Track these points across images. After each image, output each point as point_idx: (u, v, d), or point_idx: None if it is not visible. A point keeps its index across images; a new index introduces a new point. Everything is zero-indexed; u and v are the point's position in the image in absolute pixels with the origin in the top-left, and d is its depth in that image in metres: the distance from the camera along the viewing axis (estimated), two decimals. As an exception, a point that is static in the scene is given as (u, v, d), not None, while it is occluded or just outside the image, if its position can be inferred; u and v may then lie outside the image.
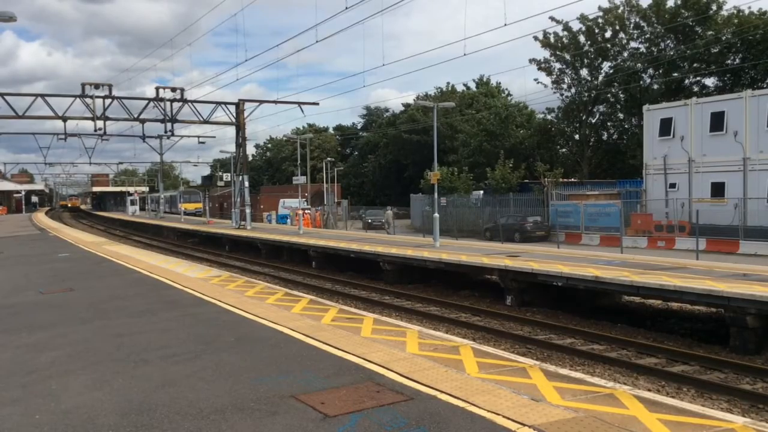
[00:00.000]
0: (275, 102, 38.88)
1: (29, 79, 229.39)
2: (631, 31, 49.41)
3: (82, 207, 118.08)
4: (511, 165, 46.39)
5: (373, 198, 74.87)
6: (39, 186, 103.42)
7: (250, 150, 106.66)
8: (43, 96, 31.75)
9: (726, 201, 30.31)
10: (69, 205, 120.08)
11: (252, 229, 35.56)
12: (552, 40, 51.88)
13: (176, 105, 34.57)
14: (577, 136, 55.11)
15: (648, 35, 48.68)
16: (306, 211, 43.52)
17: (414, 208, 49.42)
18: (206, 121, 35.70)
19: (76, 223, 72.96)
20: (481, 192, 47.05)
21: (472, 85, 72.61)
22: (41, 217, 66.42)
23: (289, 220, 48.88)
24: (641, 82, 48.64)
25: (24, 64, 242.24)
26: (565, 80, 53.74)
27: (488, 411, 5.32)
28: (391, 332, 8.66)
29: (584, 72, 53.04)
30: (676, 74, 47.09)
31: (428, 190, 40.76)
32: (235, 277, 15.87)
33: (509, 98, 68.42)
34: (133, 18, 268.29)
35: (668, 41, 47.92)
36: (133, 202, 77.51)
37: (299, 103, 37.10)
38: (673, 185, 33.70)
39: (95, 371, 6.95)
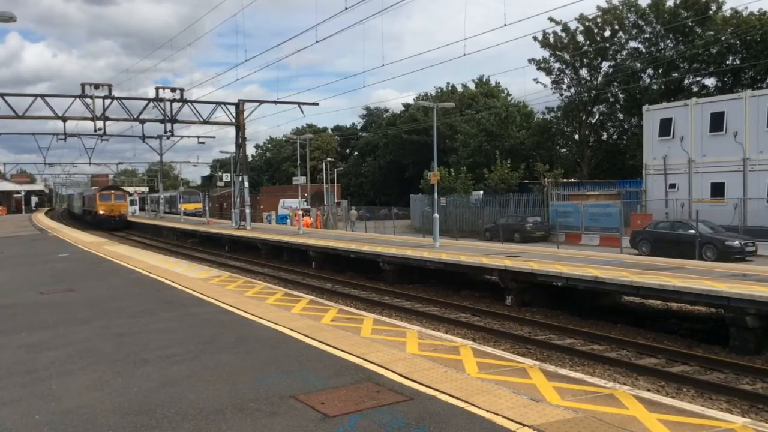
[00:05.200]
0: (275, 102, 38.86)
1: (33, 80, 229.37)
2: (630, 30, 49.45)
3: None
4: (509, 165, 46.40)
5: (373, 198, 74.92)
6: (39, 186, 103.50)
7: (250, 150, 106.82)
8: (42, 96, 31.70)
9: (726, 201, 30.33)
10: (101, 212, 54.19)
11: (252, 229, 35.54)
12: (551, 40, 51.93)
13: (176, 105, 34.51)
14: (576, 136, 55.15)
15: (647, 35, 48.72)
16: (307, 213, 43.48)
17: (414, 209, 49.43)
18: (206, 122, 35.65)
19: (76, 223, 72.89)
20: (481, 192, 47.04)
21: (472, 86, 72.68)
22: (41, 218, 66.37)
23: (288, 221, 48.86)
24: (641, 82, 48.67)
25: (28, 66, 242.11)
26: (565, 80, 53.85)
27: (488, 411, 5.33)
28: (391, 332, 8.66)
29: (584, 72, 53.13)
30: (675, 74, 47.11)
31: (428, 190, 40.78)
32: (235, 277, 15.87)
33: (509, 98, 68.47)
34: (136, 19, 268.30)
35: (668, 41, 47.96)
36: (132, 203, 77.43)
37: (299, 104, 37.04)
38: (672, 185, 33.72)
39: (95, 371, 6.95)
